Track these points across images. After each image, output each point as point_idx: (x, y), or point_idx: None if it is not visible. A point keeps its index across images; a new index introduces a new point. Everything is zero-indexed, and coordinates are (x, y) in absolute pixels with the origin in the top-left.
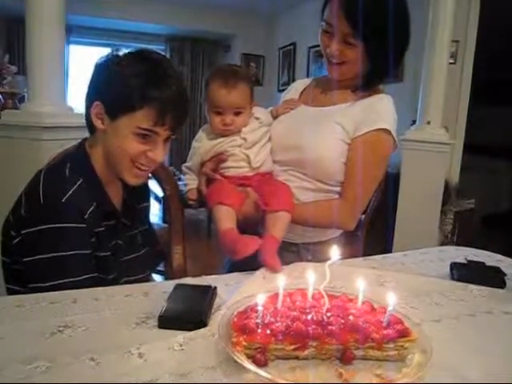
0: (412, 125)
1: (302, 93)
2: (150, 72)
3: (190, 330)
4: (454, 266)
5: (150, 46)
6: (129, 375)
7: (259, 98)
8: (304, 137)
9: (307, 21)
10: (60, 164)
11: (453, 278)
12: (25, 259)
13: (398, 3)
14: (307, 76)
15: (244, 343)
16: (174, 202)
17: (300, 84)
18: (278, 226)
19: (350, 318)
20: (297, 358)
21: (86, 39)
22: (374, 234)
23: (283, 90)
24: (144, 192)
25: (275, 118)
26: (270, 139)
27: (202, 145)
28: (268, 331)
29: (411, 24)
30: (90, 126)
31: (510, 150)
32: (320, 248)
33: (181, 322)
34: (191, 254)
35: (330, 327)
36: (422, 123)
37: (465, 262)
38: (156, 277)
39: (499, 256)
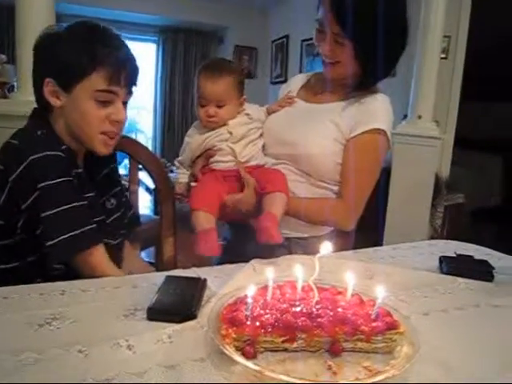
0: (403, 119)
1: (301, 88)
2: (94, 34)
3: (179, 322)
4: (443, 260)
5: (142, 37)
6: (117, 367)
7: (252, 90)
8: (297, 133)
9: (300, 14)
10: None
11: (442, 272)
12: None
13: (392, 3)
14: (300, 69)
15: (233, 335)
16: (164, 194)
17: (300, 79)
18: (276, 204)
19: (339, 310)
20: (286, 350)
21: None
22: (365, 227)
23: (276, 83)
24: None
25: (270, 114)
26: (261, 135)
27: (193, 140)
28: (257, 323)
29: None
30: (45, 107)
31: (499, 144)
32: (312, 243)
33: (170, 314)
34: (181, 245)
35: (319, 319)
36: (413, 117)
37: (454, 255)
38: None
39: (488, 250)
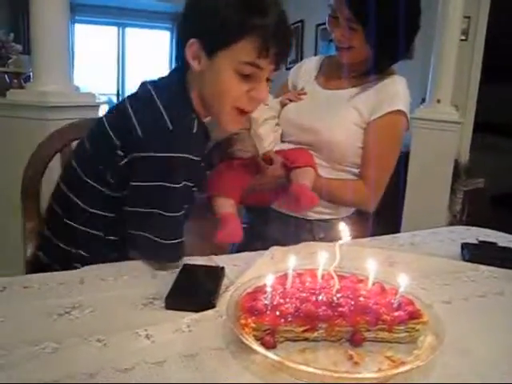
0: (422, 103)
1: (317, 73)
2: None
3: (198, 311)
4: (465, 247)
5: (155, 25)
6: (136, 356)
7: None
8: (319, 119)
9: None
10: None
11: (463, 259)
12: (133, 183)
13: None
14: (315, 54)
15: (252, 325)
16: None
17: (314, 63)
18: (306, 176)
19: (361, 299)
20: (306, 339)
21: (91, 18)
22: (384, 213)
23: (291, 69)
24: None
25: (284, 105)
26: (278, 124)
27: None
28: (277, 313)
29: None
30: (182, 68)
31: None
32: (333, 225)
33: (188, 303)
34: (198, 233)
35: (339, 309)
36: (431, 102)
37: (476, 242)
38: None
39: (511, 236)
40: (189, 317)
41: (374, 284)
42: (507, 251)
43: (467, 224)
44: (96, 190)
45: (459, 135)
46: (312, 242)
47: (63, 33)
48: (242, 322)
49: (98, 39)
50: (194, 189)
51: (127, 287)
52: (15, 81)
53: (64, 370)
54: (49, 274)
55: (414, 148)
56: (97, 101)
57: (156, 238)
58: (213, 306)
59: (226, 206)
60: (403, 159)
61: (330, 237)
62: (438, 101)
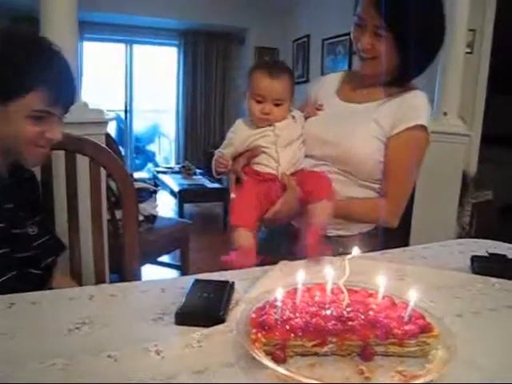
0: None
1: (338, 88)
2: (34, 52)
3: (208, 326)
4: (475, 259)
5: (163, 41)
6: (146, 372)
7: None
8: (339, 133)
9: (321, 13)
10: None
11: (473, 272)
12: None
13: None
14: (321, 68)
15: (263, 340)
16: (127, 196)
17: (335, 79)
18: (321, 213)
19: (371, 313)
20: (316, 354)
21: (99, 35)
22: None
23: (298, 83)
24: (32, 184)
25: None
26: (304, 141)
27: (238, 135)
28: (287, 327)
29: None
30: None
31: None
32: (352, 241)
33: (198, 318)
34: (208, 247)
35: (350, 323)
36: (438, 114)
37: (486, 254)
38: (173, 272)
39: None
40: (199, 332)
41: (384, 298)
42: None
43: (476, 236)
44: None
45: (467, 147)
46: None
47: (73, 52)
48: (253, 337)
49: (106, 56)
50: None
51: (137, 303)
52: None
53: None
54: (58, 290)
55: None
56: (105, 117)
57: None
58: (223, 321)
59: (245, 237)
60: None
61: (349, 251)
62: (445, 113)
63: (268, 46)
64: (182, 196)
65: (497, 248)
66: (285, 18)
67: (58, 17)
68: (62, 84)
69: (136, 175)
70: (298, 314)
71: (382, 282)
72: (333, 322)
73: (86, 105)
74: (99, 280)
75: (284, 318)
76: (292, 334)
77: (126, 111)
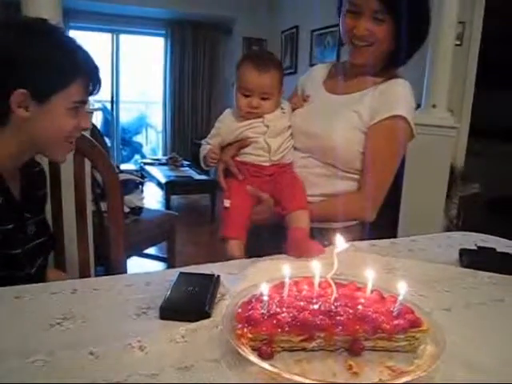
0: (417, 108)
1: (325, 79)
2: (63, 41)
3: (193, 321)
4: (464, 253)
5: (150, 31)
6: (129, 368)
7: None
8: (321, 125)
9: (310, 4)
10: None
11: (462, 265)
12: None
13: None
14: (310, 60)
15: (249, 335)
16: (111, 187)
17: (322, 70)
18: (302, 220)
19: (359, 307)
20: (304, 349)
21: (85, 24)
22: (380, 218)
23: (286, 75)
24: (41, 178)
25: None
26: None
27: (225, 126)
28: (274, 322)
29: None
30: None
31: None
32: (336, 233)
33: (183, 313)
34: (195, 239)
35: (338, 317)
36: (427, 107)
37: (474, 248)
38: (159, 264)
39: (509, 242)
40: (184, 327)
41: (372, 292)
42: (506, 257)
43: (463, 229)
44: None
45: (455, 140)
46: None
47: None
48: (239, 332)
49: (92, 45)
50: None
51: (121, 297)
52: None
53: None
54: (41, 284)
55: (410, 153)
56: (90, 107)
57: None
58: (208, 316)
59: (235, 249)
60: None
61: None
62: (434, 106)
63: (256, 37)
64: (169, 188)
65: (485, 241)
66: (273, 8)
67: (41, 3)
68: (96, 72)
69: (123, 167)
70: (285, 309)
71: (370, 276)
72: (321, 316)
73: None
74: (84, 273)
75: (271, 312)
76: (279, 329)
77: (112, 102)
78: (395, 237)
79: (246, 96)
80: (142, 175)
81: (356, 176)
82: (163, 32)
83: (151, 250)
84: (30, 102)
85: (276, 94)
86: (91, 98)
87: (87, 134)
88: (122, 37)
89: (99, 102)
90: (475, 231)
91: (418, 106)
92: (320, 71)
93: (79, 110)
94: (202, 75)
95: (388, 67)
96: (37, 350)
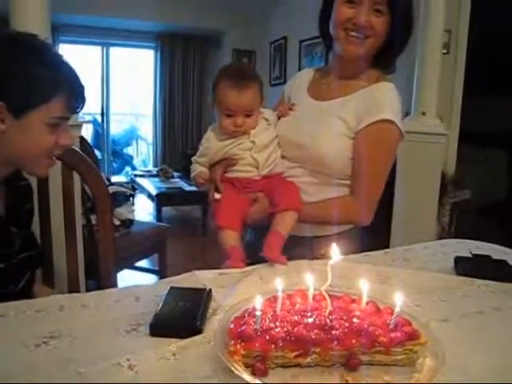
0: (406, 116)
1: (309, 85)
2: (48, 57)
3: (184, 337)
4: (459, 260)
5: (140, 44)
6: None
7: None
8: (306, 134)
9: (298, 15)
10: None
11: (458, 273)
12: None
13: None
14: (299, 70)
15: (242, 352)
16: (101, 202)
17: (307, 75)
18: (284, 223)
19: (355, 320)
20: (299, 365)
21: (75, 38)
22: (372, 226)
23: (275, 85)
24: (28, 192)
25: (279, 118)
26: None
27: (212, 145)
28: (267, 338)
29: None
30: None
31: (505, 139)
32: (329, 241)
33: (174, 329)
34: (186, 251)
35: (333, 331)
36: (416, 114)
37: (469, 255)
38: (151, 277)
39: (505, 249)
40: (174, 344)
41: (367, 303)
42: (501, 264)
43: (456, 235)
44: None
45: (445, 147)
46: (301, 261)
47: None
48: (231, 348)
49: (82, 59)
50: None
51: (109, 313)
52: None
53: None
54: (26, 300)
55: (401, 161)
56: (79, 120)
57: None
58: (200, 332)
59: (231, 239)
60: (390, 172)
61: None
62: (423, 113)
63: (245, 49)
64: (160, 199)
65: (480, 248)
66: (262, 20)
67: (29, 18)
68: (80, 89)
69: (114, 179)
70: (278, 324)
71: (364, 287)
72: (315, 330)
73: None
74: (73, 288)
75: (264, 327)
76: (273, 345)
77: (102, 114)
78: (388, 246)
79: (229, 116)
80: (133, 187)
81: (347, 182)
82: (153, 45)
83: (143, 263)
84: (7, 115)
85: (258, 107)
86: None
87: (76, 147)
88: (112, 50)
89: (89, 114)
90: (468, 237)
91: (408, 113)
92: (304, 77)
93: (59, 126)
94: (192, 87)
95: (385, 60)
96: (21, 370)
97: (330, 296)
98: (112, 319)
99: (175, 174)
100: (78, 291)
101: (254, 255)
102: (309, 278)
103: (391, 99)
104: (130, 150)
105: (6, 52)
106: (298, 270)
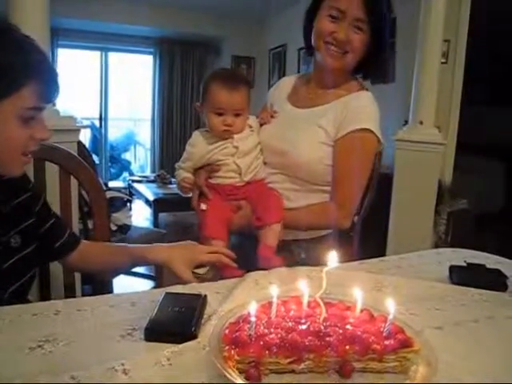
0: (404, 125)
1: (290, 92)
2: (20, 42)
3: (179, 342)
4: (453, 269)
5: (139, 49)
6: None
7: (251, 99)
8: (286, 141)
9: (297, 22)
10: None
11: (452, 282)
12: None
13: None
14: None
15: (236, 357)
16: (98, 207)
17: (288, 82)
18: (271, 236)
19: (349, 327)
20: (293, 371)
21: (74, 42)
22: (369, 235)
23: None
24: (20, 184)
25: (261, 125)
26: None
27: (197, 150)
28: (261, 343)
29: (403, 23)
30: None
31: (502, 149)
32: (313, 245)
33: (169, 334)
34: None
35: (327, 338)
36: (414, 123)
37: (464, 264)
38: (147, 283)
39: (499, 258)
40: (169, 349)
41: (362, 311)
42: (496, 273)
43: (452, 245)
44: None
45: (442, 156)
46: (297, 267)
47: None
48: (226, 354)
49: (80, 63)
50: None
51: (105, 317)
52: None
53: None
54: (22, 305)
55: (398, 169)
56: (77, 124)
57: None
58: (194, 337)
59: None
60: (387, 181)
61: (312, 257)
62: (421, 122)
63: (244, 55)
64: (157, 205)
65: (475, 257)
66: (261, 27)
67: (28, 22)
68: (53, 75)
69: (111, 184)
70: (273, 330)
71: (359, 295)
72: (310, 337)
73: (56, 111)
74: (69, 293)
75: (258, 333)
76: (267, 351)
77: (100, 119)
78: (384, 254)
79: (219, 115)
80: (130, 192)
81: (328, 188)
82: (152, 50)
83: (139, 268)
84: None
85: (246, 109)
86: (79, 116)
87: (74, 152)
88: (111, 54)
89: (87, 119)
90: (464, 247)
91: (406, 122)
92: (286, 84)
93: (34, 118)
94: (190, 93)
95: (354, 78)
96: (15, 375)
97: (325, 303)
98: (107, 324)
99: (172, 179)
100: (74, 296)
101: (238, 261)
102: (304, 284)
103: (369, 108)
104: (127, 156)
105: None
106: (293, 277)
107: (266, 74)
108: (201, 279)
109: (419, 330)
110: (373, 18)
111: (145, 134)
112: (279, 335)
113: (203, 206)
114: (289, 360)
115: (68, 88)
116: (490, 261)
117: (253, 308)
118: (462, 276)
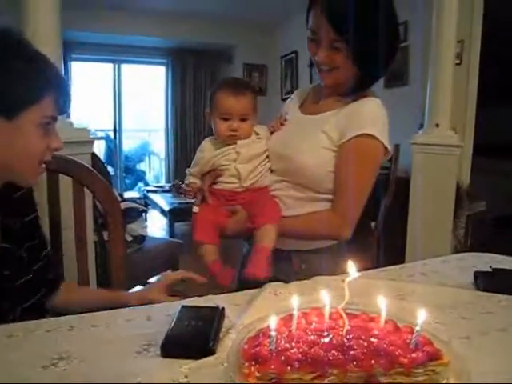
0: (420, 128)
1: (303, 101)
2: (37, 54)
3: (196, 358)
4: (479, 275)
5: (151, 60)
6: None
7: (263, 107)
8: (290, 147)
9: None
10: None
11: (478, 288)
12: None
13: (382, 4)
14: (310, 83)
15: (256, 374)
16: (113, 217)
17: (300, 93)
18: (267, 237)
19: (373, 340)
20: None
21: (87, 55)
22: (387, 240)
23: (287, 99)
24: (24, 204)
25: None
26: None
27: (204, 155)
28: (283, 359)
29: (415, 25)
30: None
31: None
32: (314, 256)
33: (186, 349)
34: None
35: (351, 352)
36: (430, 126)
37: (489, 270)
38: None
39: None
40: (187, 365)
41: (386, 322)
42: None
43: (471, 248)
44: None
45: (459, 159)
46: (318, 277)
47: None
48: (245, 370)
49: (94, 76)
50: None
51: (120, 333)
52: None
53: None
54: (36, 321)
55: (415, 173)
56: (91, 136)
57: None
58: (212, 353)
59: (210, 253)
60: (404, 185)
61: (313, 268)
62: (437, 125)
63: (256, 63)
64: (172, 215)
65: (499, 262)
66: (272, 34)
67: (41, 35)
68: (67, 87)
69: (126, 195)
70: (294, 344)
71: (382, 304)
72: (333, 351)
73: (70, 124)
74: None
75: (279, 348)
76: (288, 367)
77: (115, 130)
78: (403, 260)
79: (226, 120)
80: (146, 203)
81: (331, 197)
82: (164, 61)
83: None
84: None
85: (252, 115)
86: (93, 128)
87: (88, 163)
88: (124, 66)
89: (102, 130)
90: (483, 250)
91: (421, 125)
92: (300, 94)
93: (49, 128)
94: (203, 102)
95: (360, 86)
96: None
97: (347, 314)
98: (122, 339)
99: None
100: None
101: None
102: (325, 295)
103: (375, 113)
104: (142, 166)
105: None
106: (314, 288)
107: (278, 81)
108: (182, 295)
109: (446, 340)
110: (347, 35)
111: (159, 144)
112: (301, 350)
113: (195, 209)
114: (312, 376)
115: (82, 101)
116: None
117: (273, 321)
118: (488, 282)
